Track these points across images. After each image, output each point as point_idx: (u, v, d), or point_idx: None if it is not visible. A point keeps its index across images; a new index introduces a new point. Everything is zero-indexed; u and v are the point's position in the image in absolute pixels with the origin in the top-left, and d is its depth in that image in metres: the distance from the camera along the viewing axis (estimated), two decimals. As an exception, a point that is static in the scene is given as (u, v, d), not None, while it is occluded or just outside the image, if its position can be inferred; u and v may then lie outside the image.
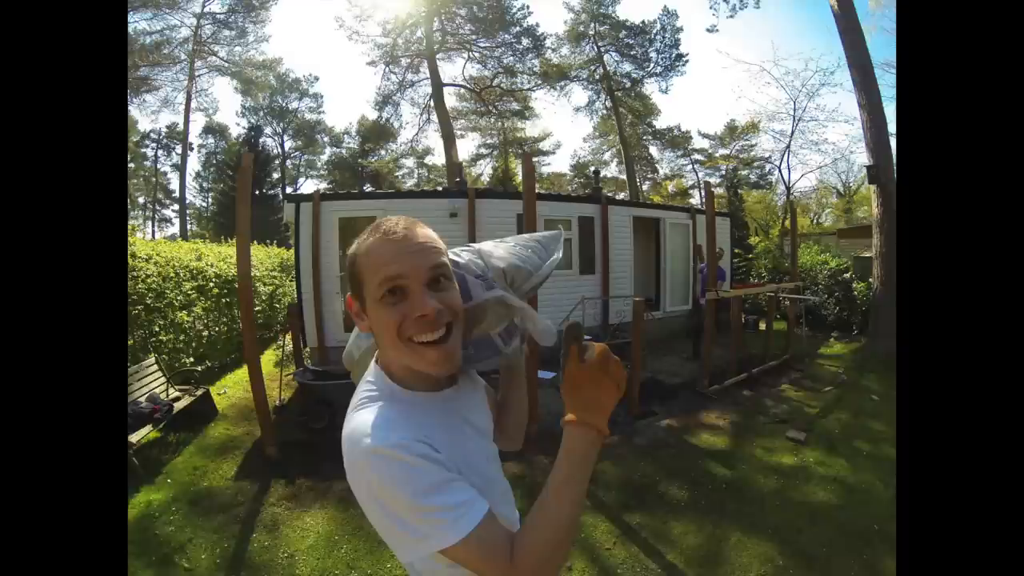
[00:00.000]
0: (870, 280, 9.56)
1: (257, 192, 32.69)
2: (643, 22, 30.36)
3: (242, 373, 7.86)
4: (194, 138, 39.20)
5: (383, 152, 38.91)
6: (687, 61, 30.82)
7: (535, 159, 33.92)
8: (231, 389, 7.51)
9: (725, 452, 5.16)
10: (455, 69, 38.54)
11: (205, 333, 8.18)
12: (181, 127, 32.02)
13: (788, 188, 24.74)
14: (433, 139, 36.34)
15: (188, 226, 37.89)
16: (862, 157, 12.12)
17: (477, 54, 28.58)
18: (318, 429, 5.67)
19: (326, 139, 41.55)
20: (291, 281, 12.01)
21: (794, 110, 22.50)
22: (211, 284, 8.58)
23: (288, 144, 41.01)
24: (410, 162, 40.73)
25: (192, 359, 7.53)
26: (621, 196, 33.41)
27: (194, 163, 41.38)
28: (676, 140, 38.44)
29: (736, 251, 13.96)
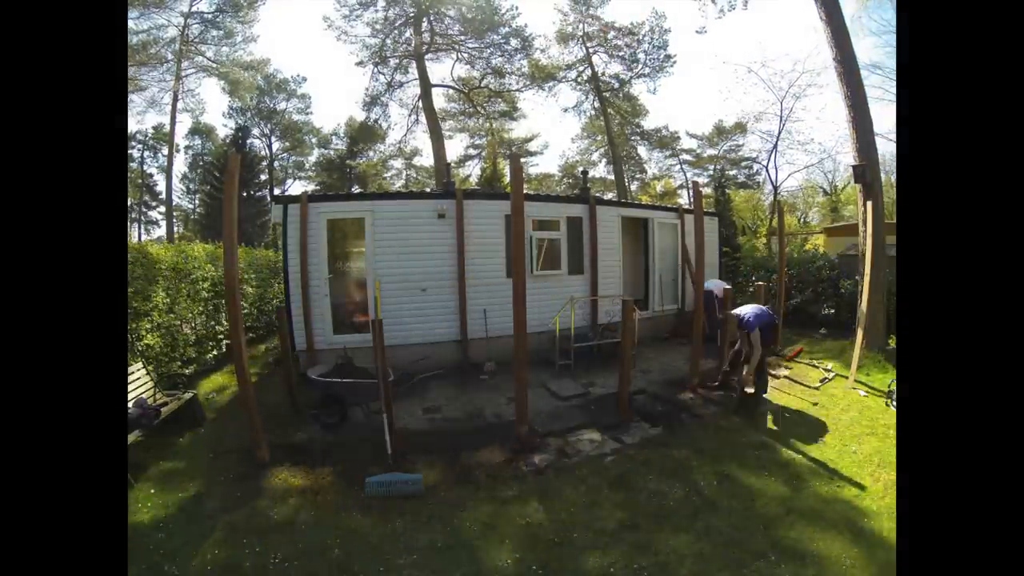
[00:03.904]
0: (856, 278, 9.65)
1: (244, 194, 32.42)
2: (632, 23, 30.47)
3: (230, 376, 7.80)
4: (181, 139, 38.88)
5: (371, 153, 38.73)
6: (675, 62, 30.96)
7: (523, 160, 33.95)
8: (219, 395, 7.45)
9: (716, 450, 5.19)
10: (444, 70, 38.49)
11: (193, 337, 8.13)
12: (167, 128, 31.59)
13: (775, 187, 24.97)
14: (421, 140, 36.28)
15: (175, 228, 37.50)
16: (848, 157, 12.27)
17: (466, 55, 28.55)
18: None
19: (314, 140, 41.31)
20: (279, 283, 11.93)
21: (781, 110, 22.74)
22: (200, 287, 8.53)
23: (276, 145, 40.71)
24: (398, 163, 40.61)
25: (179, 363, 7.48)
26: (609, 196, 33.52)
27: (180, 165, 41.05)
28: (664, 140, 38.60)
29: (724, 250, 14.06)
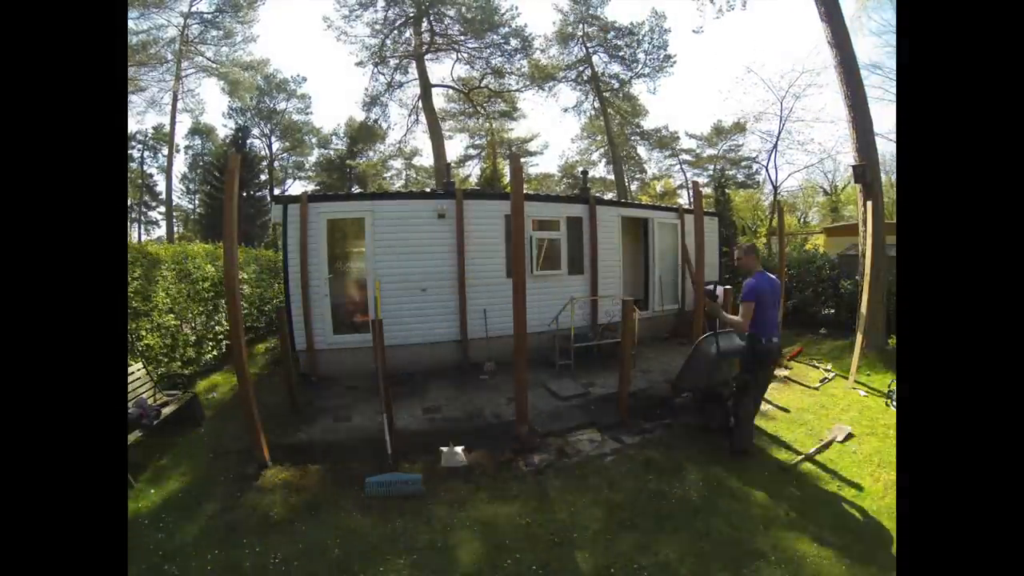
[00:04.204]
0: (856, 278, 9.65)
1: (244, 194, 32.42)
2: (631, 23, 30.49)
3: (230, 376, 7.80)
4: (181, 139, 38.89)
5: (371, 153, 38.73)
6: (675, 62, 30.97)
7: (523, 160, 33.93)
8: (219, 395, 7.45)
9: (716, 450, 5.19)
10: (444, 70, 38.49)
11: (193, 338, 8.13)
12: (167, 128, 31.57)
13: (775, 187, 24.98)
14: (421, 140, 36.30)
15: (175, 228, 37.49)
16: (848, 157, 12.28)
17: (466, 55, 28.54)
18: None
19: (314, 140, 41.32)
20: (279, 283, 11.93)
21: (781, 110, 22.72)
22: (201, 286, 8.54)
23: (276, 146, 40.73)
24: (398, 163, 40.61)
25: (179, 363, 7.48)
26: (609, 196, 33.51)
27: (180, 165, 41.07)
28: (664, 140, 38.63)
29: (724, 249, 14.05)
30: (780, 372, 7.96)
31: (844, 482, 4.44)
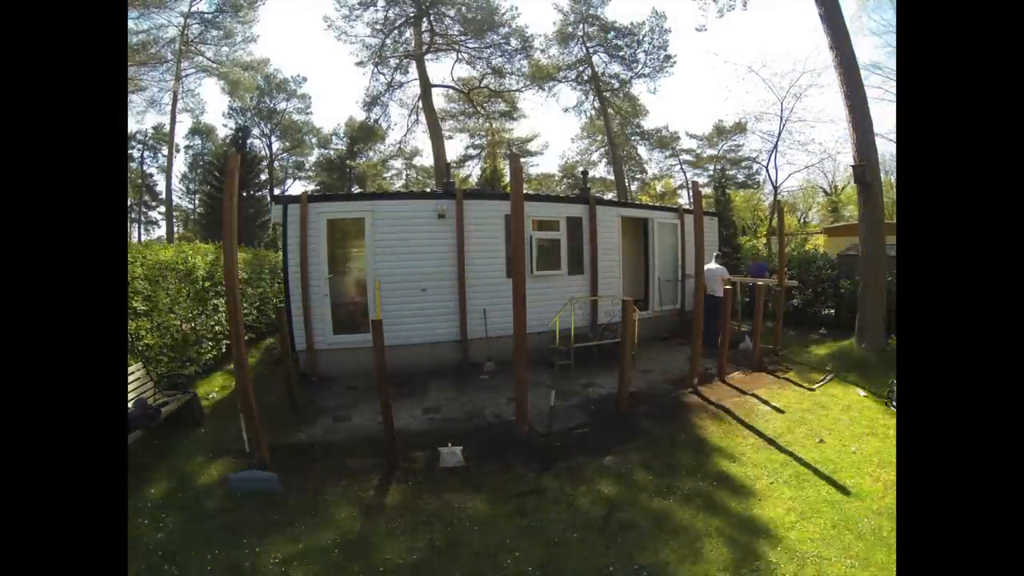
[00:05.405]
0: (856, 278, 9.65)
1: (244, 194, 32.39)
2: (632, 23, 30.47)
3: (230, 376, 7.80)
4: (181, 139, 38.84)
5: (371, 153, 38.71)
6: (675, 62, 30.95)
7: (523, 160, 33.92)
8: (219, 395, 7.45)
9: (717, 450, 5.19)
10: (444, 70, 38.52)
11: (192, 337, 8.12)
12: (167, 128, 31.56)
13: (775, 187, 24.96)
14: (421, 140, 36.26)
15: (175, 228, 37.48)
16: (848, 157, 12.27)
17: (466, 55, 28.56)
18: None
19: (314, 140, 41.28)
20: (279, 283, 11.92)
21: (781, 111, 22.67)
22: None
23: (276, 146, 40.69)
24: (398, 163, 40.58)
25: (179, 362, 7.47)
26: (609, 196, 33.51)
27: (180, 165, 41.03)
28: (664, 140, 38.63)
29: (724, 250, 14.06)
30: (778, 373, 7.96)
31: (844, 482, 4.44)
